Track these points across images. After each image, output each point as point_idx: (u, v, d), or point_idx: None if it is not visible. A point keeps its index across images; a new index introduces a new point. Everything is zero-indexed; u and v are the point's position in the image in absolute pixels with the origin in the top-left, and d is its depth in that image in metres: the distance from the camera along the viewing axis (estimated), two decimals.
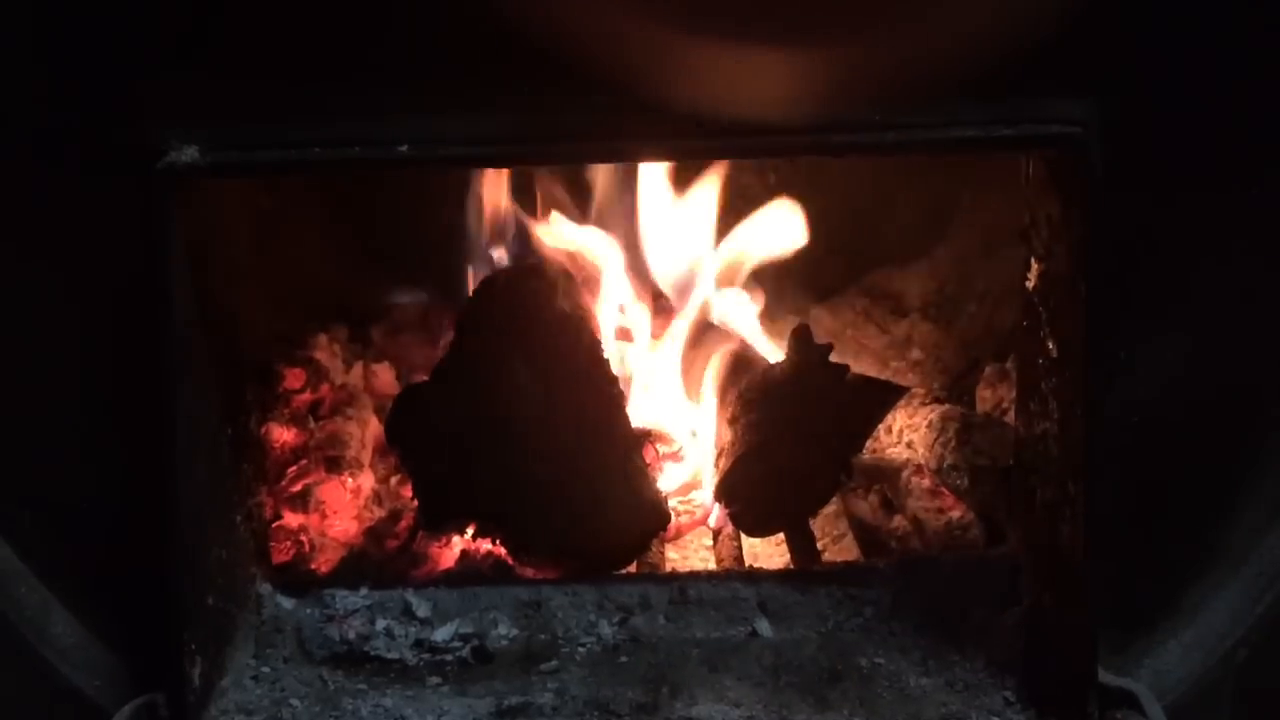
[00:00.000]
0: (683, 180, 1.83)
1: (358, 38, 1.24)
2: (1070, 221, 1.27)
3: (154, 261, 1.25)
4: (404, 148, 1.24)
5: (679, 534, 1.74)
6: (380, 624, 1.43)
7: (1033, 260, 1.35)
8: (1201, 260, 1.33)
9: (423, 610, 1.44)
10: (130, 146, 1.24)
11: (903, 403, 1.79)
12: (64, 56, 1.24)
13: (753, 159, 1.70)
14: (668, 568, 1.62)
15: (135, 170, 1.23)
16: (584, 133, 1.26)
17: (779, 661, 1.38)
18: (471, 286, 1.76)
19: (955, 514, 1.67)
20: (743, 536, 1.66)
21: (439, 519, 1.54)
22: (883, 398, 1.69)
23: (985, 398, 1.88)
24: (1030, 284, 1.36)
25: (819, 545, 1.65)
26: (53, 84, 1.25)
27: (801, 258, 1.97)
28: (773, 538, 1.70)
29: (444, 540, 1.56)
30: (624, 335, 1.87)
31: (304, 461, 1.65)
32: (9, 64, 1.25)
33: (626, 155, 1.45)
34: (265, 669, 1.40)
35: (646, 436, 1.73)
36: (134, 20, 1.22)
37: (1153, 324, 1.32)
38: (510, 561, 1.53)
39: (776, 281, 1.96)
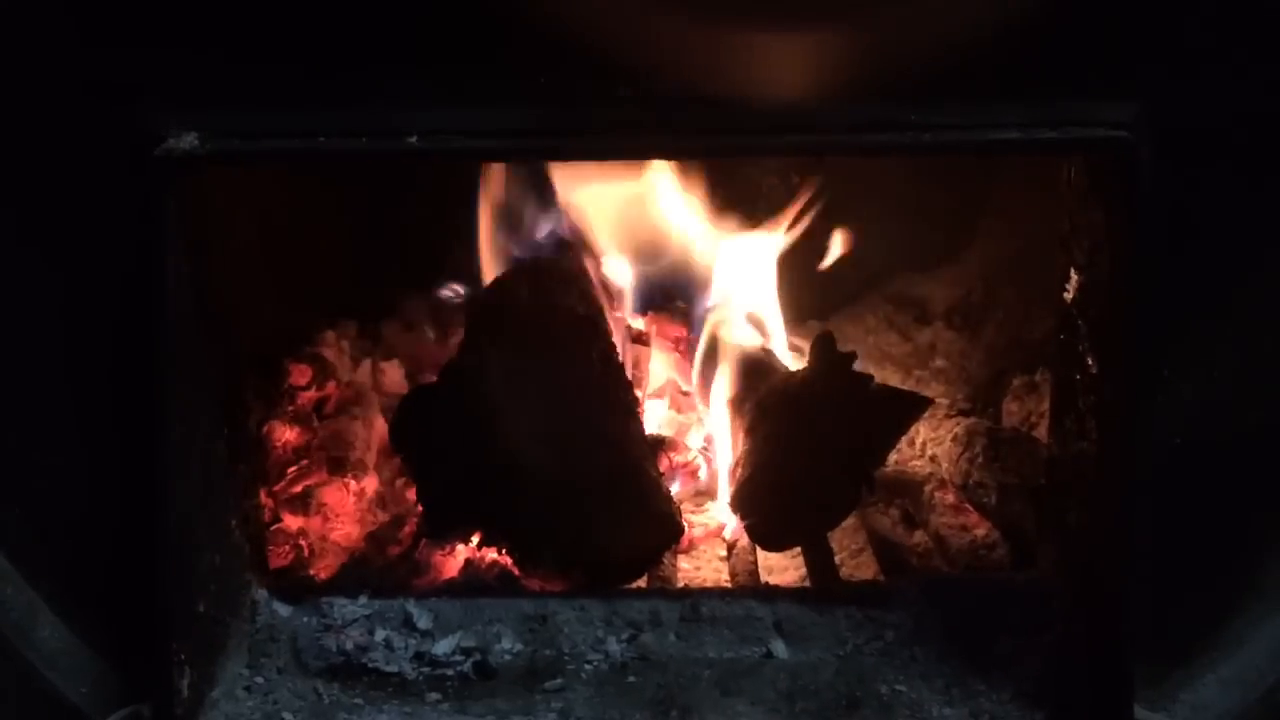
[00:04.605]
0: (701, 181, 1.79)
1: (368, 22, 1.19)
2: (1115, 230, 1.22)
3: (149, 253, 1.21)
4: (414, 139, 1.20)
5: (692, 545, 1.69)
6: (379, 635, 1.38)
7: (1072, 270, 1.30)
8: (1249, 274, 1.27)
9: (424, 621, 1.39)
10: (126, 131, 1.19)
11: (926, 414, 1.74)
12: (57, 34, 1.20)
13: (783, 157, 1.64)
14: (680, 577, 1.57)
15: (131, 156, 1.19)
16: (605, 128, 1.21)
17: (795, 686, 1.33)
18: (485, 284, 1.72)
19: (979, 532, 1.62)
20: (758, 550, 1.60)
21: (444, 526, 1.50)
22: (907, 410, 1.63)
23: (1012, 411, 1.83)
24: (1069, 295, 1.30)
25: (836, 559, 1.59)
26: (45, 63, 1.21)
27: (821, 261, 1.94)
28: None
29: (448, 548, 1.51)
30: (639, 338, 1.82)
31: (306, 461, 1.61)
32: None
33: (651, 153, 1.40)
34: (258, 680, 1.35)
35: (660, 445, 1.68)
36: None
37: (1198, 340, 1.27)
38: (516, 572, 1.48)
39: (795, 285, 1.91)
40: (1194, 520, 1.29)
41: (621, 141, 1.26)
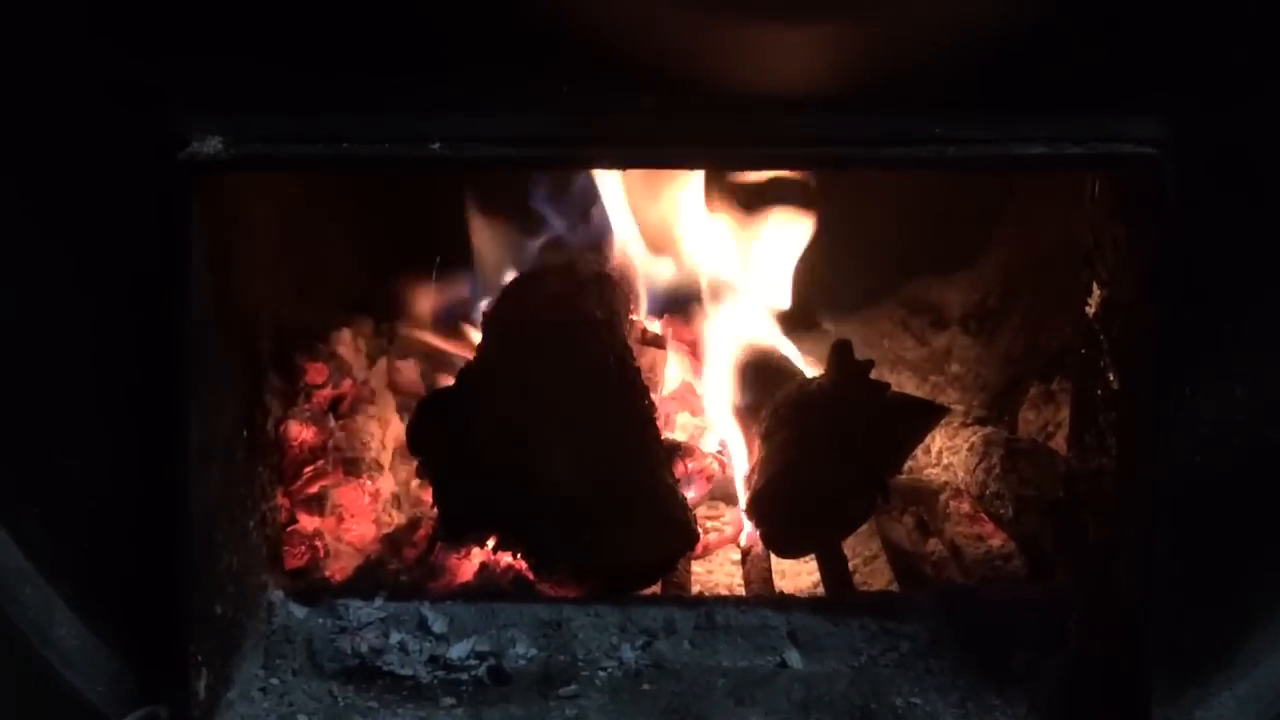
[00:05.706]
0: (716, 185, 1.78)
1: (392, 28, 1.19)
2: (1139, 247, 1.21)
3: (172, 255, 1.21)
4: (436, 146, 1.19)
5: (707, 551, 1.68)
6: (394, 638, 1.38)
7: (1094, 285, 1.29)
8: (1273, 293, 1.27)
9: (439, 625, 1.39)
10: (151, 135, 1.19)
11: (943, 422, 1.73)
12: (83, 39, 1.20)
13: (805, 170, 1.63)
14: (693, 582, 1.57)
15: (156, 160, 1.19)
16: (628, 137, 1.21)
17: (809, 697, 1.32)
18: (502, 284, 1.72)
19: (995, 542, 1.62)
20: (772, 556, 1.60)
21: (459, 530, 1.49)
22: (924, 418, 1.63)
23: (1029, 420, 1.82)
24: (1091, 310, 1.30)
25: (849, 565, 1.59)
26: (72, 67, 1.21)
27: (838, 264, 1.93)
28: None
29: (463, 552, 1.51)
30: (656, 342, 1.81)
31: (321, 462, 1.60)
32: (25, 44, 1.20)
33: (671, 162, 1.39)
34: (274, 681, 1.35)
35: (677, 450, 1.68)
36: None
37: (1220, 358, 1.26)
38: (531, 577, 1.48)
39: (811, 289, 1.91)
40: (1213, 537, 1.29)
41: (643, 151, 1.26)
